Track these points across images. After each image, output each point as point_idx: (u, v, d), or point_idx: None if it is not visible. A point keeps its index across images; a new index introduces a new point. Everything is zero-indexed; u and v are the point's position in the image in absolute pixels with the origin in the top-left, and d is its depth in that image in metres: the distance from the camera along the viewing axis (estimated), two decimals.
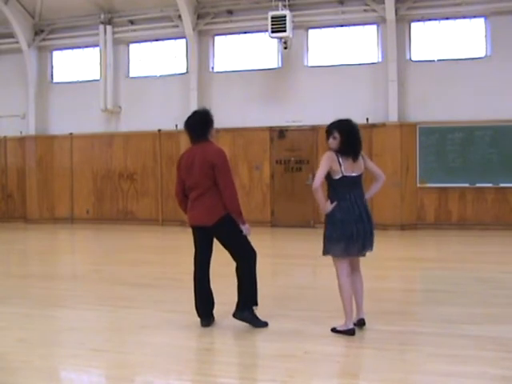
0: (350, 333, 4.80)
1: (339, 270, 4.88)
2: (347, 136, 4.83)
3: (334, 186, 4.85)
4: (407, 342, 4.67)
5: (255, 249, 5.19)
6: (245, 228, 5.12)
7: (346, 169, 4.81)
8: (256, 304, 5.14)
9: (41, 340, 4.90)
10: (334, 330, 4.89)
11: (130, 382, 4.04)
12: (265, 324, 5.12)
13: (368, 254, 5.08)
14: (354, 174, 4.86)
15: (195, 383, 4.00)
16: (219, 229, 5.09)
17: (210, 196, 5.07)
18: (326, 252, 4.92)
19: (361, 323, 4.98)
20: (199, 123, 5.20)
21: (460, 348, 4.46)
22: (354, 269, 5.03)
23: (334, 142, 4.86)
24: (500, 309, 5.73)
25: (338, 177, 4.81)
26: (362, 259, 5.09)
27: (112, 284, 7.34)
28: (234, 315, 5.14)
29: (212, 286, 5.22)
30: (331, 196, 4.88)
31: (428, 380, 3.90)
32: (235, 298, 5.15)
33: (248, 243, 5.17)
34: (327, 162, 4.78)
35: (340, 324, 4.90)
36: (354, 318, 4.97)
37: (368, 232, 4.96)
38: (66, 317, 5.76)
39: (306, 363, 4.24)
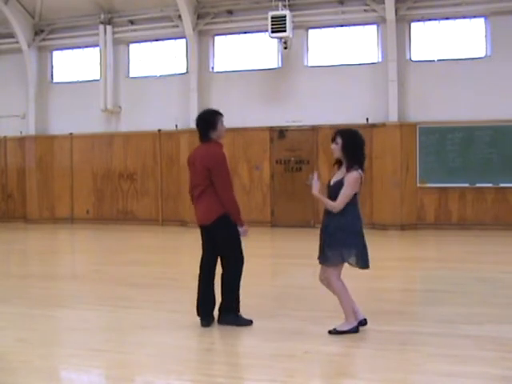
0: (354, 330, 4.82)
1: (335, 276, 4.89)
2: (348, 142, 4.82)
3: (353, 199, 4.83)
4: (407, 342, 4.67)
5: (245, 255, 5.20)
6: (242, 230, 5.11)
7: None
8: (238, 311, 5.18)
9: (41, 340, 4.90)
10: (334, 331, 4.86)
11: (130, 382, 4.04)
12: (249, 322, 5.15)
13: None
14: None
15: (195, 383, 3.99)
16: (216, 228, 5.11)
17: (209, 195, 5.09)
18: (345, 259, 4.85)
19: (363, 323, 4.97)
20: (202, 123, 5.22)
21: (460, 348, 4.46)
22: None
23: (336, 147, 4.86)
24: (500, 309, 5.73)
25: (357, 191, 4.84)
26: None
27: (112, 284, 7.33)
28: (219, 321, 5.18)
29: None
30: (350, 207, 4.80)
31: (428, 380, 3.90)
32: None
33: (239, 250, 5.16)
34: (357, 185, 4.77)
35: (339, 324, 4.90)
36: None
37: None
38: (65, 317, 5.75)
39: (306, 363, 4.24)
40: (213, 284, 5.23)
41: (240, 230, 5.12)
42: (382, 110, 12.89)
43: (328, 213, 4.87)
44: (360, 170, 4.79)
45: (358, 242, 4.84)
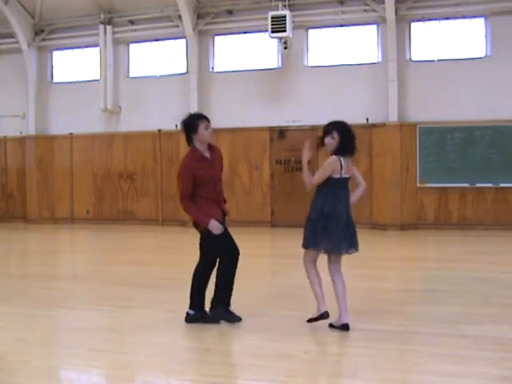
0: (324, 316, 4.89)
1: (309, 263, 4.97)
2: (347, 136, 4.94)
3: (330, 183, 4.92)
4: (407, 342, 4.67)
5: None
6: (211, 228, 5.09)
7: (344, 170, 4.93)
8: (202, 308, 5.25)
9: (41, 340, 4.90)
10: (311, 320, 4.98)
11: (130, 382, 4.04)
12: (216, 321, 5.19)
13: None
14: (346, 176, 4.98)
15: (195, 383, 3.99)
16: (195, 227, 5.26)
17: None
18: (312, 245, 4.93)
19: (325, 317, 4.99)
20: (184, 127, 5.26)
21: (460, 348, 4.46)
22: (336, 269, 5.01)
23: (332, 141, 4.95)
24: (500, 309, 5.73)
25: (336, 176, 4.91)
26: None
27: (112, 284, 7.33)
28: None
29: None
30: (323, 191, 4.94)
31: (428, 380, 3.90)
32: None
33: (208, 253, 5.20)
34: (330, 168, 4.88)
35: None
36: (337, 322, 4.98)
37: (346, 233, 4.94)
38: (65, 317, 5.75)
39: (306, 363, 4.24)
40: (216, 279, 5.27)
41: (210, 229, 5.10)
42: (382, 110, 12.88)
43: (313, 200, 5.00)
44: (340, 156, 4.90)
45: (326, 227, 4.87)
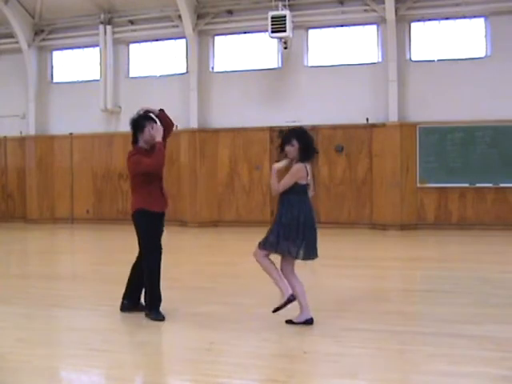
0: (309, 322, 5.01)
1: (261, 254, 5.15)
2: (305, 142, 5.07)
3: (297, 190, 5.03)
4: (407, 342, 4.66)
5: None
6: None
7: (309, 176, 5.09)
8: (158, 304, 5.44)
9: (41, 340, 4.90)
10: (290, 321, 5.06)
11: (130, 382, 4.04)
12: (162, 318, 5.30)
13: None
14: (308, 182, 5.13)
15: (195, 383, 3.99)
16: (134, 220, 5.56)
17: (134, 190, 5.68)
18: (284, 250, 5.03)
19: (291, 300, 5.10)
20: (131, 125, 5.41)
21: (460, 348, 4.46)
22: (293, 271, 5.17)
23: (292, 149, 5.07)
24: (500, 309, 5.73)
25: (303, 183, 5.05)
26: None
27: (112, 284, 7.31)
28: (146, 315, 5.39)
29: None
30: (292, 198, 5.03)
31: (428, 380, 3.90)
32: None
33: (147, 245, 5.52)
34: (298, 175, 5.00)
35: (296, 316, 5.10)
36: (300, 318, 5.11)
37: (311, 238, 5.08)
38: (66, 317, 5.75)
39: (306, 363, 4.24)
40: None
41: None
42: (382, 110, 12.89)
43: (280, 204, 5.12)
44: (305, 163, 5.05)
45: (304, 235, 5.01)
